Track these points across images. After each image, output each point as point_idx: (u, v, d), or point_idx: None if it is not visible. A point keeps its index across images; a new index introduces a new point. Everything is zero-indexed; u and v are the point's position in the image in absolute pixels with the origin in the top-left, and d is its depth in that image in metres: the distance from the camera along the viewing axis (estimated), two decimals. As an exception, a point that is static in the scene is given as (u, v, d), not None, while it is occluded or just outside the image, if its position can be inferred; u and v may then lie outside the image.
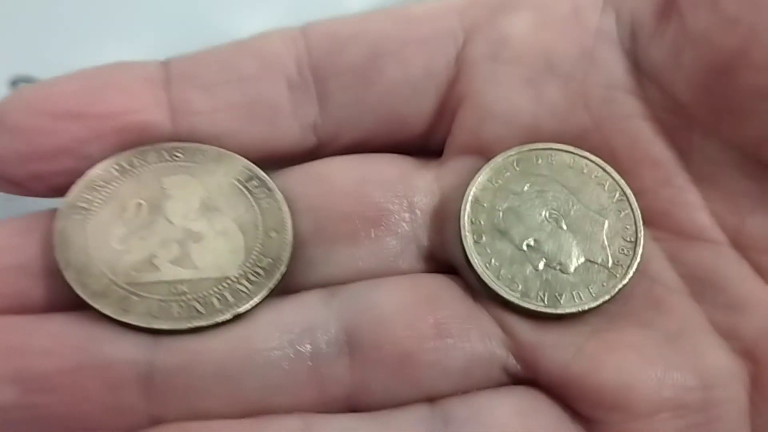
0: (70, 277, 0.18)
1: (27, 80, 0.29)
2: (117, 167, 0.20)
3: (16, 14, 0.31)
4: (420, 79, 0.21)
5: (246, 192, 0.20)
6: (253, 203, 0.20)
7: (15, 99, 0.20)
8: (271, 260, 0.19)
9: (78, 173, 0.19)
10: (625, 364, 0.18)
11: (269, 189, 0.20)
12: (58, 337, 0.18)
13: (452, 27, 0.21)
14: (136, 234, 0.19)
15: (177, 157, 0.20)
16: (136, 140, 0.20)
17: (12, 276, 0.18)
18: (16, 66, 0.29)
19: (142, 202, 0.19)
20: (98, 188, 0.19)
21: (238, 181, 0.20)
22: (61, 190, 0.19)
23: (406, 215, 0.20)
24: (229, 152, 0.20)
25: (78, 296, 0.18)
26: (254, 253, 0.19)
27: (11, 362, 0.17)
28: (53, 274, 0.18)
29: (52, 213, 0.19)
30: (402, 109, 0.21)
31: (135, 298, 0.18)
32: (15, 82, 0.29)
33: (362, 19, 0.21)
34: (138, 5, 0.30)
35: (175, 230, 0.19)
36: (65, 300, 0.18)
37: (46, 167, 0.19)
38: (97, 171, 0.20)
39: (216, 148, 0.20)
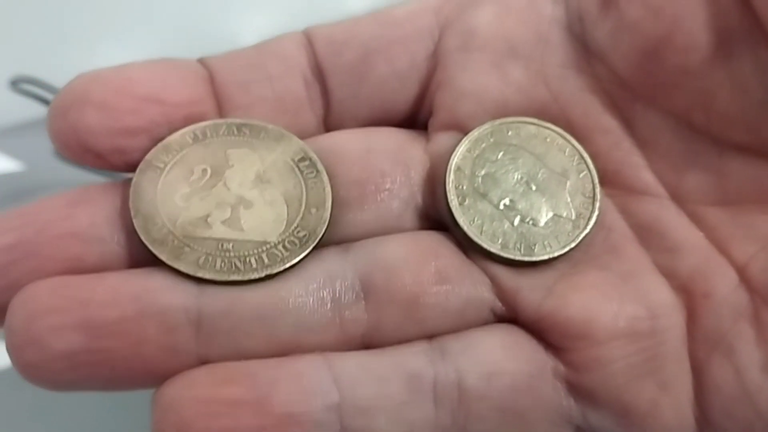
0: (137, 224, 0.20)
1: (27, 80, 0.29)
2: (192, 136, 0.22)
3: (17, 15, 0.31)
4: (405, 72, 0.23)
5: (297, 170, 0.22)
6: (301, 181, 0.22)
7: (94, 79, 0.21)
8: (307, 233, 0.21)
9: (146, 152, 0.21)
10: (587, 300, 0.21)
11: (318, 170, 0.22)
12: (117, 290, 0.19)
13: (429, 25, 0.23)
14: (198, 194, 0.21)
15: (244, 132, 0.22)
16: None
17: (65, 243, 0.20)
18: (17, 66, 0.30)
19: (207, 167, 0.21)
20: (173, 152, 0.21)
21: (293, 160, 0.22)
22: (132, 166, 0.21)
23: (406, 180, 0.22)
24: (288, 133, 0.22)
25: (130, 254, 0.20)
26: (294, 224, 0.21)
27: (77, 313, 0.19)
28: (103, 240, 0.20)
29: (100, 186, 0.21)
30: (391, 98, 0.23)
31: (187, 248, 0.20)
32: (15, 82, 0.29)
33: (354, 24, 0.24)
34: (136, 7, 0.31)
35: (231, 195, 0.21)
36: (115, 263, 0.20)
37: (127, 143, 0.21)
38: (174, 137, 0.22)
39: (278, 128, 0.22)
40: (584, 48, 0.23)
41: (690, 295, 0.21)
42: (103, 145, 0.21)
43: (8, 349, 0.19)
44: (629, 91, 0.22)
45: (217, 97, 0.23)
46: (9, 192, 0.32)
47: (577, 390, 0.21)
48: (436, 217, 0.23)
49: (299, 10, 0.32)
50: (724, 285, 0.21)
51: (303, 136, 0.23)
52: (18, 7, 0.32)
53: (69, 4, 0.32)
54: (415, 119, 0.24)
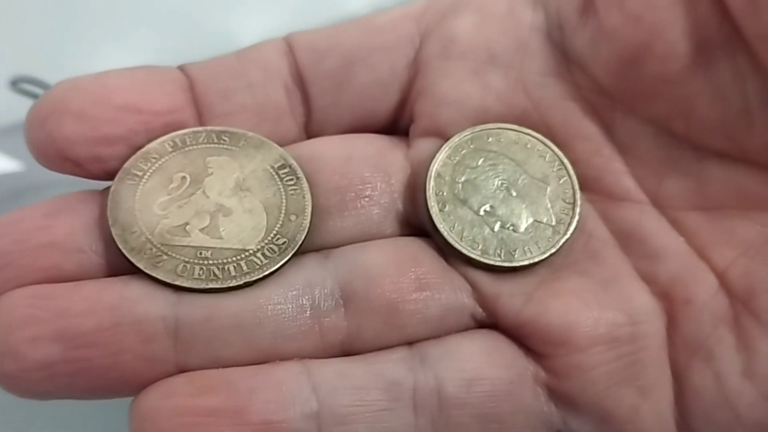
0: (115, 233, 0.20)
1: (27, 80, 0.29)
2: (171, 143, 0.22)
3: (17, 15, 0.31)
4: (386, 79, 0.23)
5: (277, 178, 0.22)
6: (281, 189, 0.22)
7: (72, 88, 0.21)
8: (286, 240, 0.21)
9: (125, 160, 0.21)
10: (567, 307, 0.21)
11: (298, 178, 0.22)
12: (94, 300, 0.19)
13: (410, 32, 0.23)
14: (176, 203, 0.21)
15: (223, 140, 0.22)
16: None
17: (43, 252, 0.20)
18: (17, 66, 0.30)
19: (186, 175, 0.22)
20: (152, 160, 0.21)
21: (272, 167, 0.22)
22: (111, 174, 0.21)
23: (386, 187, 0.22)
24: (268, 141, 0.22)
25: (108, 263, 0.20)
26: (273, 232, 0.21)
27: (54, 323, 0.19)
28: (81, 249, 0.20)
29: (79, 195, 0.21)
30: (373, 105, 0.24)
31: (165, 257, 0.20)
32: (15, 82, 0.29)
33: (335, 31, 0.24)
34: (137, 7, 0.31)
35: (210, 203, 0.21)
36: (93, 272, 0.20)
37: (105, 152, 0.21)
38: (153, 145, 0.22)
39: (258, 136, 0.22)
40: (564, 55, 0.23)
41: (670, 301, 0.22)
42: (81, 154, 0.21)
43: None
44: (609, 98, 0.22)
45: (197, 104, 0.23)
46: (9, 192, 0.32)
47: (557, 396, 0.21)
48: (417, 224, 0.23)
49: (299, 10, 0.31)
50: (704, 291, 0.21)
51: (284, 144, 0.23)
52: (18, 7, 0.32)
53: (69, 4, 0.32)
54: (396, 126, 0.24)
